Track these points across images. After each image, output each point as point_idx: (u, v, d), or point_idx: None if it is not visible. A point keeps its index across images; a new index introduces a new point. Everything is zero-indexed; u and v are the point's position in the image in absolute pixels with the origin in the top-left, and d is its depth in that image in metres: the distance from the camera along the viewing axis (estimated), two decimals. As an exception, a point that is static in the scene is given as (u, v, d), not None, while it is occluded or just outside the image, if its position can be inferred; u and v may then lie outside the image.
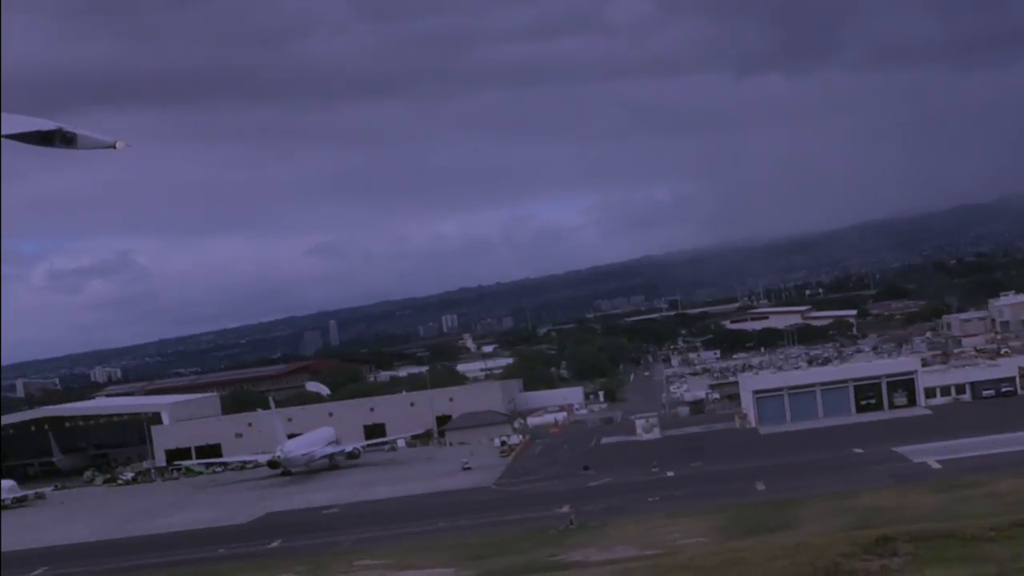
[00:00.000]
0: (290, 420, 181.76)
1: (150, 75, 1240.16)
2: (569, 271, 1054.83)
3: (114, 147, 19.67)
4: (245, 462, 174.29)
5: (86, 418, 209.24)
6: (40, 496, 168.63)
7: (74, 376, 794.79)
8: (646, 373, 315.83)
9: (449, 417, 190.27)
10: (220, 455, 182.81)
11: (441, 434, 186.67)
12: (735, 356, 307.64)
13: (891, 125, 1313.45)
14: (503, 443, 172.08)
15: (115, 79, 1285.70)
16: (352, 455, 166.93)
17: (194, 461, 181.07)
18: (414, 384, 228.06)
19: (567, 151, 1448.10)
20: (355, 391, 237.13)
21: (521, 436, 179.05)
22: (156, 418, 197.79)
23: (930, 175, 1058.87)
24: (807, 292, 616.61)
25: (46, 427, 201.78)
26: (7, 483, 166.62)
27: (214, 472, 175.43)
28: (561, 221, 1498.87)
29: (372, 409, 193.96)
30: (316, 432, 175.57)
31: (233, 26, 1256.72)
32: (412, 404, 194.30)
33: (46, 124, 19.27)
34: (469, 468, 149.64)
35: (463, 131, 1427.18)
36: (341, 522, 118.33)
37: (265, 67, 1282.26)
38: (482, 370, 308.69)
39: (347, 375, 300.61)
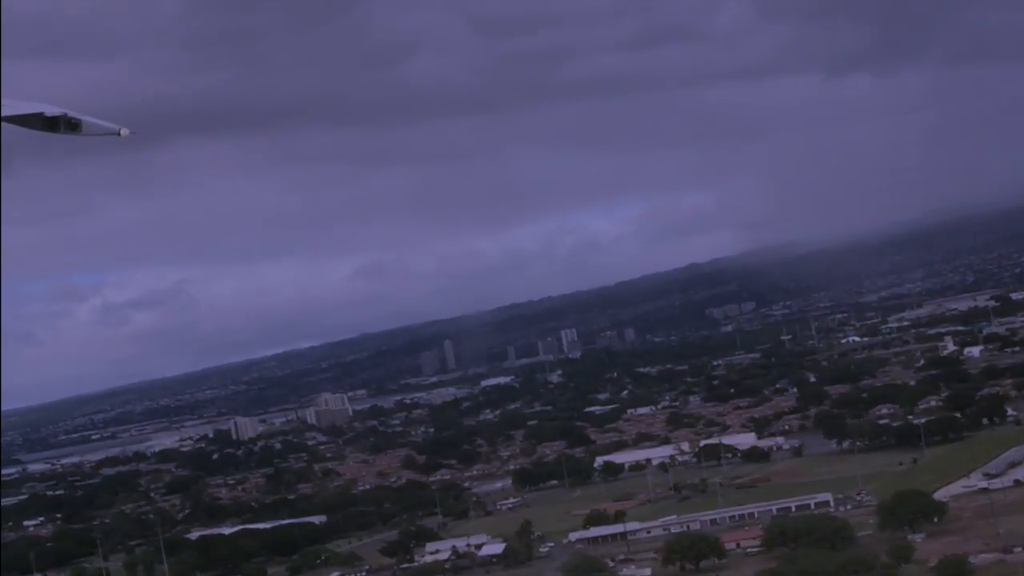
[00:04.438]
0: None
1: (242, 104, 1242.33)
2: (620, 282, 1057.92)
3: (119, 135, 19.67)
4: None
5: None
6: None
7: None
8: None
9: None
10: None
11: None
12: None
13: (982, 120, 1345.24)
14: None
15: (209, 109, 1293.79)
16: None
17: None
18: None
19: (641, 159, 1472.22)
20: None
21: None
22: None
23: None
24: None
25: None
26: None
27: None
28: (604, 230, 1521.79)
29: None
30: None
31: (340, 49, 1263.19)
32: None
33: (51, 109, 19.23)
34: None
35: (540, 144, 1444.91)
36: None
37: (359, 89, 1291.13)
38: None
39: None
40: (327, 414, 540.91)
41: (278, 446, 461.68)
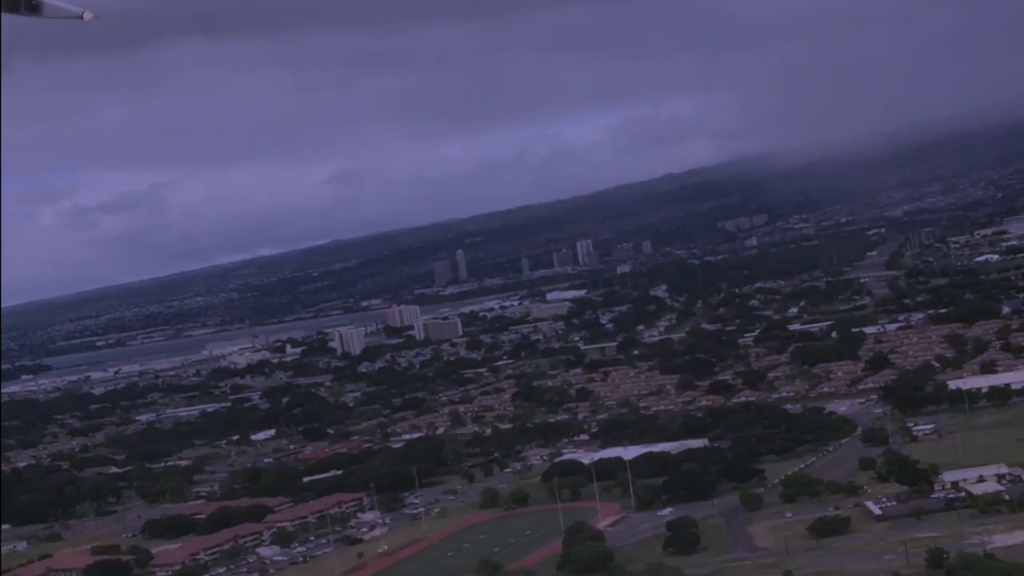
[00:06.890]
0: None
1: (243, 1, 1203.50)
2: (598, 191, 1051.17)
3: (81, 18, 19.87)
4: None
5: None
6: None
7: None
8: None
9: None
10: None
11: None
12: None
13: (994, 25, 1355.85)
14: None
15: (209, 7, 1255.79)
16: None
17: None
18: None
19: (628, 67, 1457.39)
20: None
21: None
22: None
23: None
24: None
25: None
26: None
27: None
28: (580, 138, 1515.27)
29: None
30: None
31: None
32: None
33: None
34: None
35: (533, 50, 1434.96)
36: None
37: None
38: None
39: None
40: (435, 327, 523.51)
41: (428, 359, 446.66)
